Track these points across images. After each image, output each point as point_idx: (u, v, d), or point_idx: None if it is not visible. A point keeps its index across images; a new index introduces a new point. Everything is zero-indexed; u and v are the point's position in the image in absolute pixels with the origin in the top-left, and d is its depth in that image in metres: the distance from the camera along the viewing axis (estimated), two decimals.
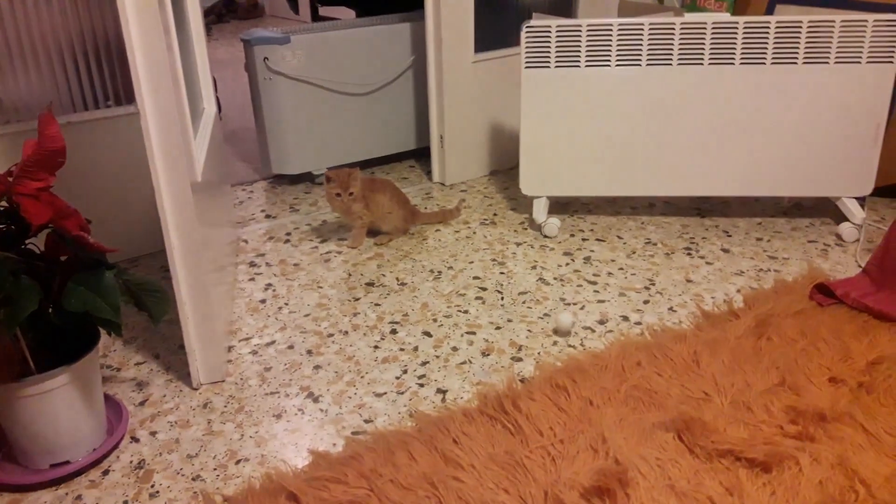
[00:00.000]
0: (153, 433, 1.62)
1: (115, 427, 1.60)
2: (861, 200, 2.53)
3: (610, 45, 2.35)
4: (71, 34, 2.11)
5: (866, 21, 2.26)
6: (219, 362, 1.77)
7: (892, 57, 2.28)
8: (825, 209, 2.66)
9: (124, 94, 2.25)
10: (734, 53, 2.33)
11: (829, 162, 2.42)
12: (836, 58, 2.30)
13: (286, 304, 2.13)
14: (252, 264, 2.37)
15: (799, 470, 1.43)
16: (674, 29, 2.32)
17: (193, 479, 1.49)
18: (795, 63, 2.32)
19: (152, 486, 1.47)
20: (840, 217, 2.53)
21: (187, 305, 1.68)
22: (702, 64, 2.34)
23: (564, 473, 1.44)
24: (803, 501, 1.37)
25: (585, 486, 1.39)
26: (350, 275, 2.28)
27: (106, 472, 1.51)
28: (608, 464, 1.45)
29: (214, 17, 7.04)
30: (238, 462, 1.53)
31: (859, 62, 2.30)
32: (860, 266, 2.26)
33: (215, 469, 1.52)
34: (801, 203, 2.73)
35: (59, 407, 1.45)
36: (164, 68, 1.50)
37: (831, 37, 2.28)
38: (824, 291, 2.05)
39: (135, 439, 1.61)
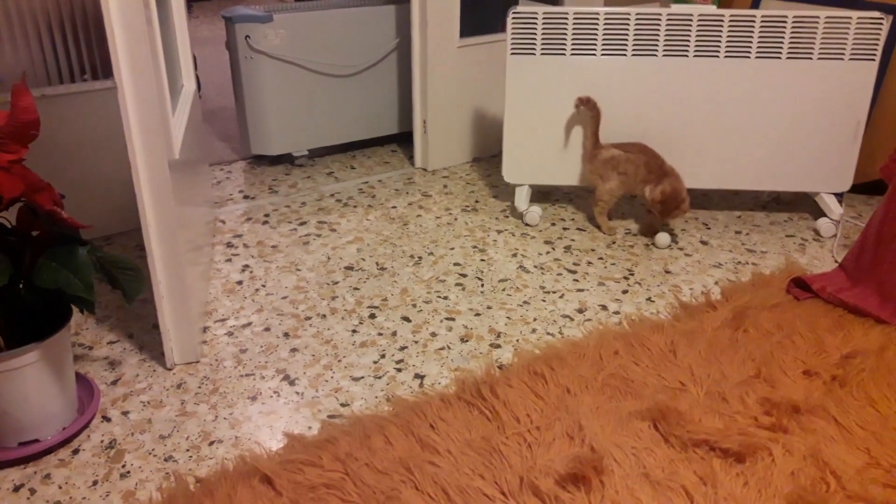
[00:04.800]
0: (125, 413, 1.60)
1: (86, 406, 1.58)
2: (839, 197, 2.55)
3: (596, 34, 2.34)
4: (48, 5, 2.06)
5: (850, 18, 2.27)
6: (193, 343, 1.75)
7: (875, 54, 2.30)
8: (804, 204, 2.68)
9: (102, 68, 2.21)
10: (719, 46, 2.33)
11: (809, 157, 2.44)
12: (820, 54, 2.31)
13: (263, 285, 2.11)
14: (229, 245, 2.34)
15: (772, 461, 1.45)
16: (660, 20, 2.31)
17: (166, 460, 1.47)
18: (779, 58, 2.32)
19: (123, 466, 1.45)
20: (818, 212, 2.55)
21: (162, 284, 1.66)
22: (687, 56, 2.34)
23: (540, 460, 1.44)
24: (775, 492, 1.38)
25: (561, 473, 1.40)
26: (329, 258, 2.26)
27: (76, 452, 1.49)
28: (584, 451, 1.46)
29: None
30: (211, 443, 1.52)
31: (842, 59, 2.31)
32: (837, 261, 2.28)
33: (188, 450, 1.50)
34: (780, 197, 2.75)
35: (28, 385, 1.42)
36: (143, 42, 1.47)
37: (815, 32, 2.29)
38: (801, 285, 2.07)
39: (106, 419, 1.58)
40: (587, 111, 2.39)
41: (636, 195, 2.40)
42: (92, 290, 1.38)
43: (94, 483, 1.41)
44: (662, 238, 2.36)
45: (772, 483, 1.40)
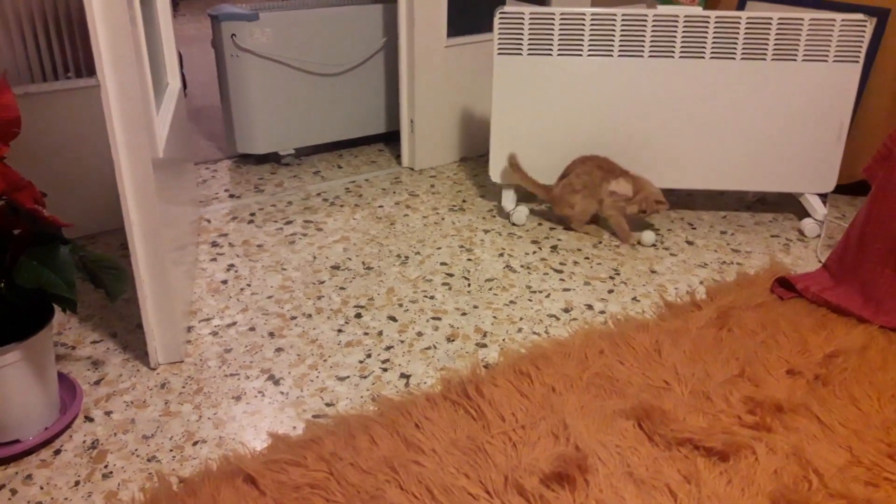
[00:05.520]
0: (108, 413, 1.59)
1: (68, 406, 1.57)
2: (823, 197, 2.57)
3: (582, 35, 2.35)
4: (31, 2, 2.04)
5: (834, 20, 2.29)
6: (177, 342, 1.74)
7: (858, 56, 2.32)
8: (788, 205, 2.70)
9: (85, 65, 2.19)
10: (705, 47, 2.34)
11: (793, 158, 2.46)
12: (804, 55, 2.33)
13: (248, 285, 2.10)
14: (214, 244, 2.33)
15: (755, 459, 1.46)
16: (646, 21, 2.32)
17: (149, 460, 1.46)
18: (764, 59, 2.34)
19: (106, 467, 1.44)
20: (802, 213, 2.57)
21: (146, 284, 1.65)
22: (672, 57, 2.35)
23: (525, 459, 1.44)
24: (758, 490, 1.39)
25: (546, 472, 1.40)
26: (315, 257, 2.25)
27: (58, 452, 1.48)
28: (569, 450, 1.46)
29: None
30: (195, 443, 1.51)
31: (826, 60, 2.33)
32: (821, 261, 2.30)
33: (171, 450, 1.49)
34: (765, 198, 2.76)
35: (9, 384, 1.41)
36: (126, 40, 1.46)
37: (800, 34, 2.31)
38: (785, 285, 2.08)
39: (89, 419, 1.57)
40: (514, 172, 2.47)
41: (601, 199, 2.41)
42: (74, 289, 1.37)
43: (77, 483, 1.40)
44: (648, 236, 2.37)
45: (755, 481, 1.41)
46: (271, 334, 1.87)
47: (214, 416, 1.58)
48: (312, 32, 2.81)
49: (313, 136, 2.99)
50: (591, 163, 2.38)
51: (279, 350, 1.81)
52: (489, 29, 2.92)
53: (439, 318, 1.96)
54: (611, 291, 2.11)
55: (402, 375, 1.73)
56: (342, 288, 2.09)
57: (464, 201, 2.68)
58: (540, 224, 2.51)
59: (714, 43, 2.33)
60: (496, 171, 2.54)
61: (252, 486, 1.37)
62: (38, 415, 1.48)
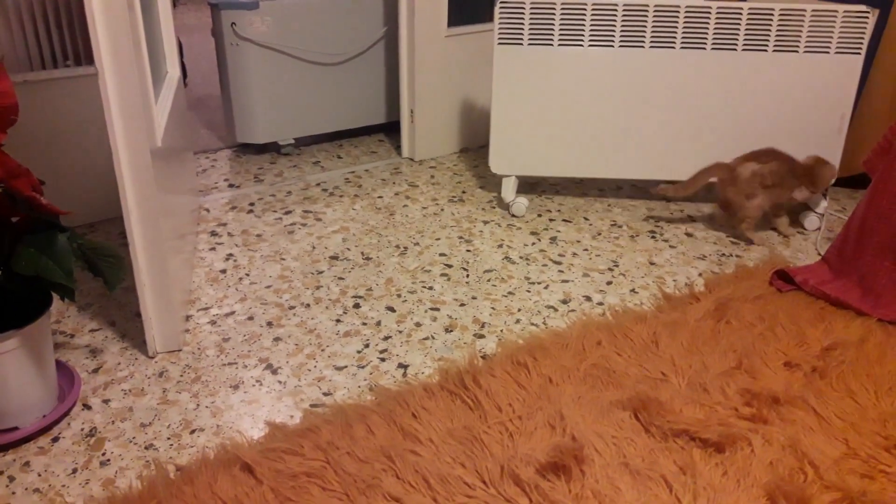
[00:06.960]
0: (106, 401, 1.59)
1: (66, 394, 1.57)
2: (824, 190, 2.56)
3: (583, 25, 2.34)
4: None
5: (836, 11, 2.27)
6: (176, 331, 1.74)
7: (860, 48, 2.31)
8: None
9: (84, 53, 2.18)
10: (706, 38, 2.33)
11: (794, 150, 2.45)
12: (806, 47, 2.32)
13: (247, 274, 2.10)
14: (213, 234, 2.33)
15: (751, 451, 1.46)
16: (647, 11, 2.31)
17: (146, 448, 1.47)
18: (766, 50, 2.33)
19: (103, 454, 1.45)
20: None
21: (144, 272, 1.65)
22: (674, 48, 2.34)
23: (521, 449, 1.44)
24: (754, 482, 1.39)
25: (542, 462, 1.40)
26: (314, 247, 2.25)
27: (56, 439, 1.48)
28: (565, 441, 1.46)
29: None
30: (193, 432, 1.51)
31: (828, 52, 2.32)
32: (820, 254, 2.29)
33: (169, 438, 1.49)
34: None
35: (7, 372, 1.41)
36: (124, 28, 1.45)
37: (802, 26, 2.30)
38: (784, 278, 2.08)
39: (87, 407, 1.57)
40: (683, 191, 2.37)
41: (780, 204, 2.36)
42: (71, 277, 1.37)
43: (74, 471, 1.41)
44: (812, 220, 2.37)
45: (750, 473, 1.41)
46: (269, 324, 1.88)
47: (212, 405, 1.59)
48: (313, 21, 2.80)
49: (313, 126, 2.99)
50: (784, 165, 2.28)
51: (277, 339, 1.82)
52: (490, 18, 2.91)
53: (438, 309, 1.96)
54: (609, 283, 2.11)
55: (400, 365, 1.73)
56: (341, 278, 2.09)
57: (463, 192, 2.67)
58: (539, 215, 2.51)
59: (715, 34, 2.32)
60: (496, 161, 2.53)
61: (249, 475, 1.38)
62: (37, 402, 1.49)
